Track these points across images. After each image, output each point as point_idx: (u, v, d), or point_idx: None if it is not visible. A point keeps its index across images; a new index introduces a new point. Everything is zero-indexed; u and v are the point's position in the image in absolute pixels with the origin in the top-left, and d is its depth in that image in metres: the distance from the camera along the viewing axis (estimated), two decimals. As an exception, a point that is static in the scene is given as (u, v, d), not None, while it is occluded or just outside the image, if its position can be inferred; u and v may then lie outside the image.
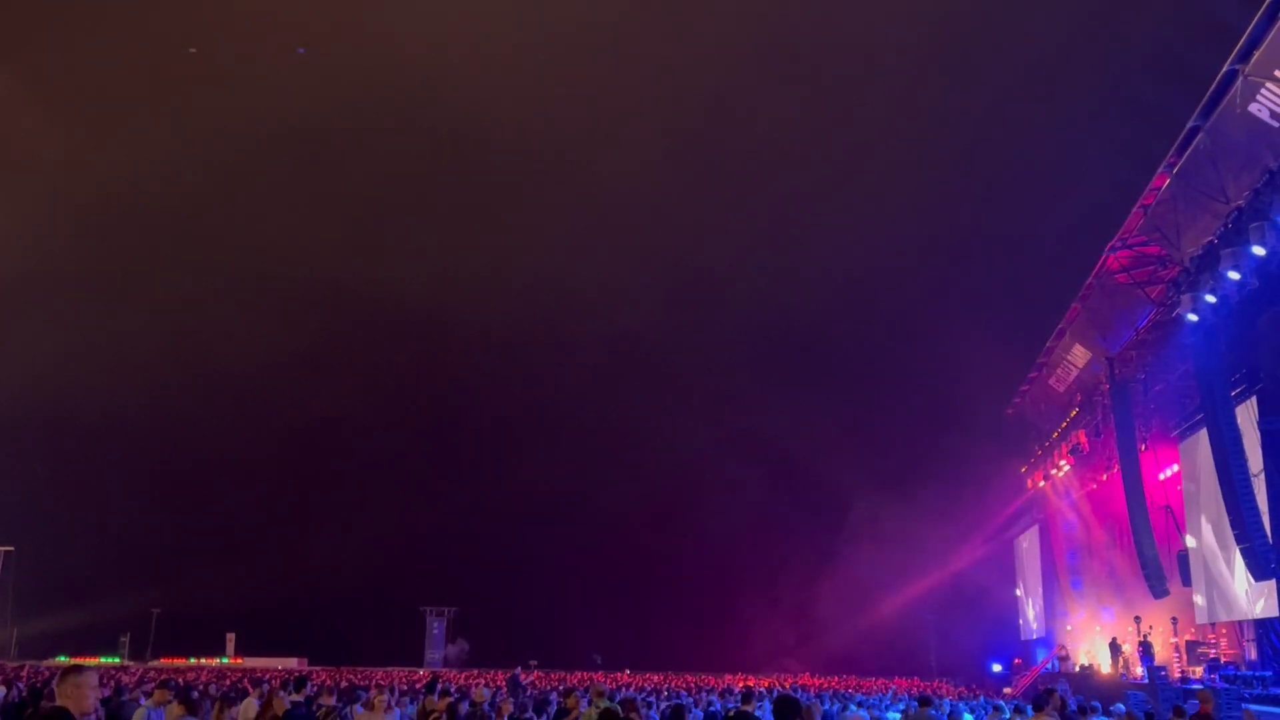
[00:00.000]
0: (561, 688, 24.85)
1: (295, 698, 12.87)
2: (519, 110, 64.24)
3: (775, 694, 14.66)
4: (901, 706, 19.81)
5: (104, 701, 12.75)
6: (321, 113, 63.86)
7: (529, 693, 25.73)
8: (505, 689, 24.75)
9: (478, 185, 66.11)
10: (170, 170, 62.76)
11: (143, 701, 14.15)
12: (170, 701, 12.77)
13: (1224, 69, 20.40)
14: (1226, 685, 23.84)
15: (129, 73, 61.31)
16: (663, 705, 18.03)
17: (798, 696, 20.75)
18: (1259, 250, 20.66)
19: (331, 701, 13.59)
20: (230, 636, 62.91)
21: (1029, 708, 14.52)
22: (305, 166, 64.74)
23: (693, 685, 31.95)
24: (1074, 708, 15.39)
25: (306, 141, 63.87)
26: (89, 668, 5.68)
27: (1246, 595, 26.27)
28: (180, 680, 26.19)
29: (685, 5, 61.82)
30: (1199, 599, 29.93)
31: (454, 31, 61.07)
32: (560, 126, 64.42)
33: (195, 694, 16.18)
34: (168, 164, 62.52)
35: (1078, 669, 37.76)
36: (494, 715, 13.77)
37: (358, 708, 14.01)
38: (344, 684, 28.65)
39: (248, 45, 62.27)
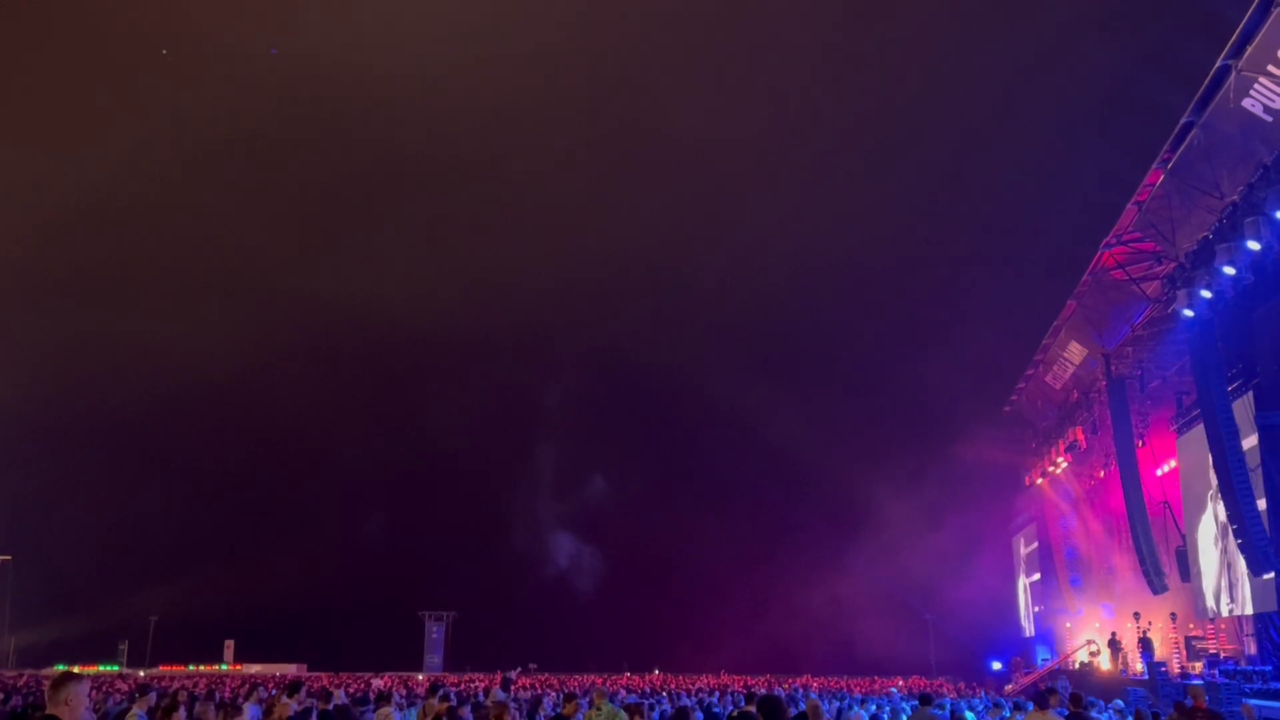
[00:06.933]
0: (563, 691, 24.75)
1: (287, 702, 12.77)
2: (475, 122, 64.82)
3: (761, 695, 14.58)
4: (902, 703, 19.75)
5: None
6: (277, 122, 64.58)
7: (514, 693, 25.64)
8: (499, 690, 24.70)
9: (450, 196, 66.57)
10: (140, 179, 63.06)
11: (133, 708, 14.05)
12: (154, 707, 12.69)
13: (1217, 64, 20.41)
14: (1226, 680, 23.81)
15: (92, 82, 61.76)
16: (664, 707, 17.97)
17: (805, 696, 20.71)
18: (1254, 245, 20.66)
19: (328, 706, 13.51)
20: (229, 643, 62.80)
21: (1029, 705, 14.49)
22: (270, 175, 65.28)
23: (690, 687, 31.88)
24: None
25: (270, 151, 64.46)
26: (81, 676, 5.63)
27: (1245, 590, 26.27)
28: (170, 687, 26.08)
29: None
30: (1205, 591, 29.91)
31: (423, 48, 61.59)
32: (521, 137, 65.18)
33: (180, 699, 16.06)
34: (137, 173, 62.81)
35: (1077, 666, 37.75)
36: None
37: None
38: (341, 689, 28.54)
39: (213, 56, 63.01)
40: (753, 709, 11.61)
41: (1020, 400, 44.59)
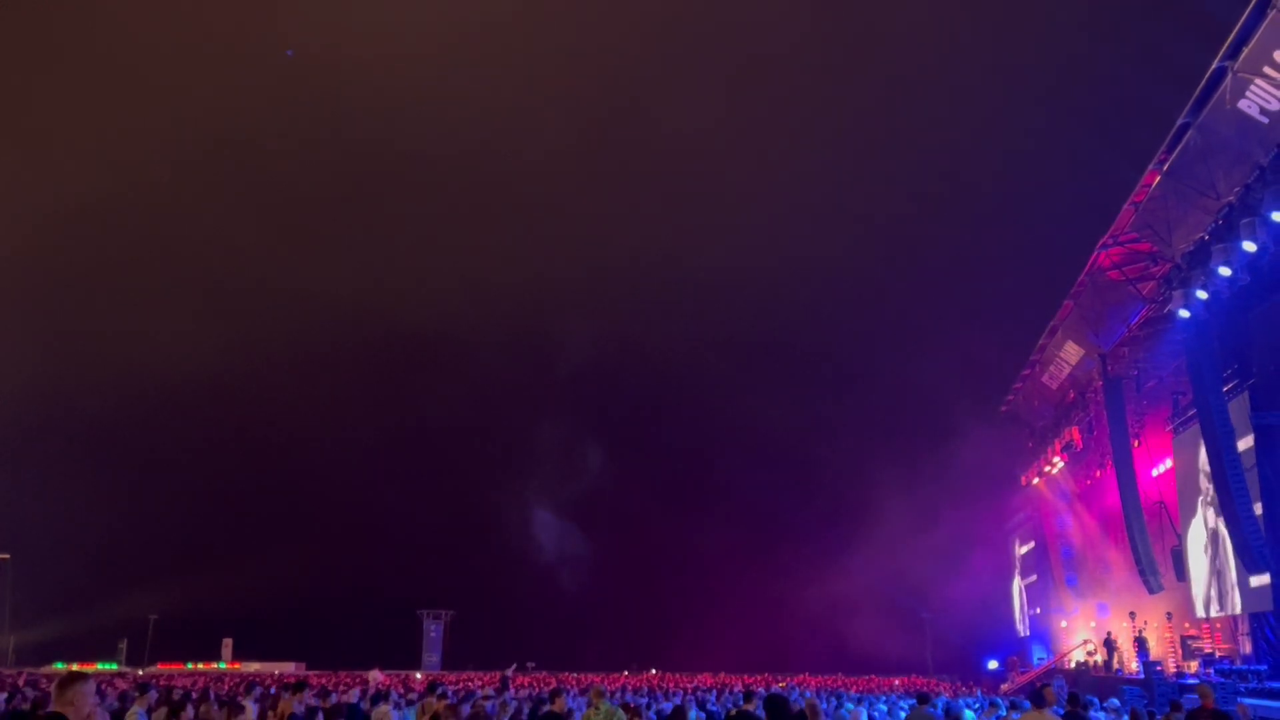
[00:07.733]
0: (552, 687, 24.78)
1: (290, 699, 12.84)
2: (475, 122, 64.80)
3: (762, 694, 14.59)
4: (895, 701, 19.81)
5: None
6: (274, 121, 64.75)
7: (513, 693, 25.68)
8: (497, 689, 24.76)
9: (448, 195, 66.58)
10: (136, 179, 62.91)
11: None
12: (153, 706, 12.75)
13: (1213, 65, 20.45)
14: (1222, 679, 23.87)
15: (87, 81, 61.84)
16: (660, 705, 18.03)
17: (796, 695, 20.77)
18: (1250, 246, 20.73)
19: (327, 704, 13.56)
20: (227, 642, 62.82)
21: (1025, 703, 14.54)
22: (267, 174, 65.42)
23: (688, 686, 31.94)
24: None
25: (267, 150, 64.61)
26: (87, 676, 5.69)
27: (1240, 589, 26.37)
28: (173, 685, 26.10)
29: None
30: (1194, 594, 30.02)
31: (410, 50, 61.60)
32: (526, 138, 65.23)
33: (176, 696, 16.14)
34: (133, 173, 62.75)
35: (1073, 665, 37.83)
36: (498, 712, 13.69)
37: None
38: (341, 688, 28.60)
39: (210, 56, 63.08)
40: (751, 707, 11.68)
41: (1017, 400, 44.67)
